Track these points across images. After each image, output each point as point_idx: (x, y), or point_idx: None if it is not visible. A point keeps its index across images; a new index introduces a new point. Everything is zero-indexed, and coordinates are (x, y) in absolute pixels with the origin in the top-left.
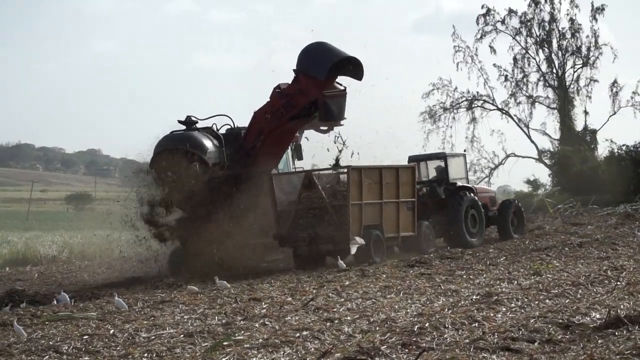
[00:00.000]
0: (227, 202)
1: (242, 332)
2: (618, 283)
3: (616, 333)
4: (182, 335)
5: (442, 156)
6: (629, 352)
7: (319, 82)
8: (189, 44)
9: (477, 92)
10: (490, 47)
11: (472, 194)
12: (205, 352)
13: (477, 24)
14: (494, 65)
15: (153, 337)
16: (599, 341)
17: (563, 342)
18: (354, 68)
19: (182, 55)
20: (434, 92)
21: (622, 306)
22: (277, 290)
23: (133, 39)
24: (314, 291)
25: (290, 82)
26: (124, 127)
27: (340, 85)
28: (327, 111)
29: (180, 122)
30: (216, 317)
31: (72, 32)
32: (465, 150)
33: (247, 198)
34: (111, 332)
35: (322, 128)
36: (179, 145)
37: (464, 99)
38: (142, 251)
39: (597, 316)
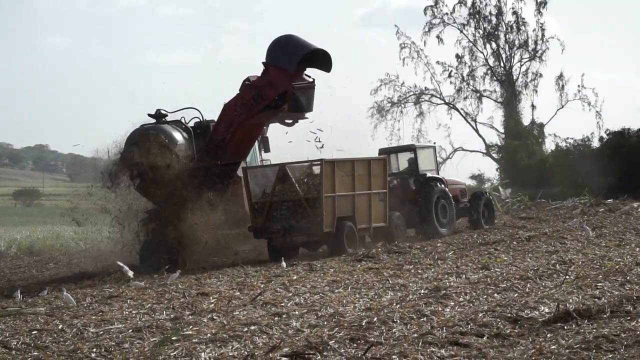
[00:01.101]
0: (197, 194)
1: (191, 326)
2: (567, 277)
3: (565, 327)
4: (130, 330)
5: (411, 148)
6: (578, 346)
7: (288, 74)
8: (140, 39)
9: (425, 87)
10: (438, 37)
11: (442, 185)
12: (153, 347)
13: (425, 15)
14: (437, 62)
15: (102, 332)
16: (548, 335)
17: (512, 337)
18: (323, 60)
19: (133, 50)
20: (382, 87)
21: (570, 300)
22: (225, 285)
23: (84, 35)
24: (262, 286)
25: (259, 74)
26: (71, 123)
27: (309, 77)
28: (297, 103)
29: (150, 115)
30: (164, 312)
31: (23, 29)
32: (434, 142)
33: (217, 190)
34: (60, 327)
35: (287, 121)
36: (149, 138)
37: (411, 93)
38: (102, 246)
39: (546, 310)
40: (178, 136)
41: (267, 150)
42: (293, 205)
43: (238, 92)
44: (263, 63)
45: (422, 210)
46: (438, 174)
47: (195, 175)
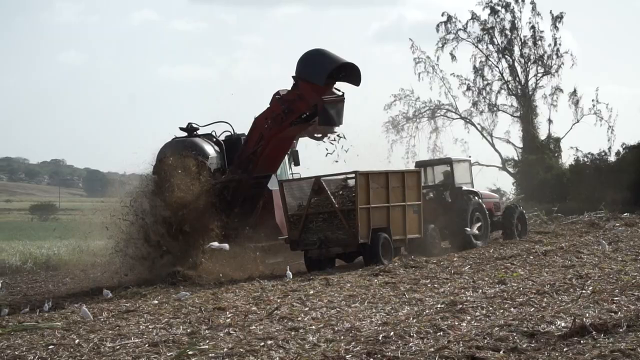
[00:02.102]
0: (229, 206)
1: (207, 341)
2: (583, 291)
3: (581, 341)
4: (147, 345)
5: (448, 161)
6: None
7: (318, 88)
8: (153, 55)
9: (439, 101)
10: (452, 54)
11: (477, 198)
12: None
13: (437, 31)
14: (452, 74)
15: (118, 347)
16: (565, 349)
17: (528, 351)
18: (352, 74)
19: (146, 65)
20: (396, 102)
21: (587, 314)
22: (241, 299)
23: (98, 50)
24: (279, 300)
25: (278, 88)
26: (87, 138)
27: (339, 90)
28: (327, 116)
29: (181, 129)
30: (181, 327)
31: (37, 44)
32: (470, 156)
33: (248, 203)
34: (76, 341)
35: (316, 135)
36: (182, 152)
37: (426, 108)
38: (117, 260)
39: (563, 324)
40: (210, 149)
41: (297, 163)
42: (329, 217)
43: (268, 105)
44: (293, 77)
45: (457, 223)
46: (473, 187)
47: (227, 188)
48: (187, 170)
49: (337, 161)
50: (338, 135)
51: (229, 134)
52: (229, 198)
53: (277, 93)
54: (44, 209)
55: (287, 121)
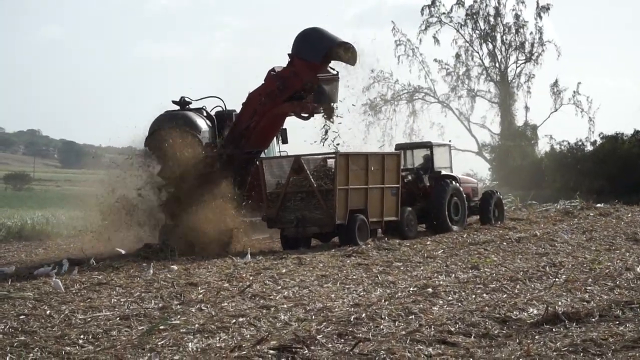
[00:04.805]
0: (219, 181)
1: (178, 316)
2: (556, 280)
3: (553, 329)
4: (118, 318)
5: (428, 145)
6: (565, 348)
7: (313, 66)
8: (132, 31)
9: (418, 85)
10: (434, 37)
11: (455, 183)
12: (141, 335)
13: (422, 14)
14: (435, 60)
15: (89, 319)
16: (536, 337)
17: (500, 337)
18: (348, 53)
19: (126, 41)
20: (375, 84)
21: (560, 303)
22: (214, 275)
23: (78, 24)
24: (251, 278)
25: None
26: (64, 109)
27: (333, 70)
28: (321, 94)
29: (174, 102)
30: (153, 301)
31: (17, 17)
32: (450, 141)
33: (238, 177)
34: (48, 312)
35: (303, 115)
36: (174, 124)
37: (404, 91)
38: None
39: (535, 312)
40: (202, 123)
41: (285, 141)
42: (307, 197)
43: (263, 81)
44: (289, 54)
45: (434, 207)
46: (452, 172)
47: (218, 162)
48: (180, 143)
49: (316, 142)
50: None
51: (220, 109)
52: (219, 172)
53: (273, 69)
54: (18, 178)
55: (281, 97)
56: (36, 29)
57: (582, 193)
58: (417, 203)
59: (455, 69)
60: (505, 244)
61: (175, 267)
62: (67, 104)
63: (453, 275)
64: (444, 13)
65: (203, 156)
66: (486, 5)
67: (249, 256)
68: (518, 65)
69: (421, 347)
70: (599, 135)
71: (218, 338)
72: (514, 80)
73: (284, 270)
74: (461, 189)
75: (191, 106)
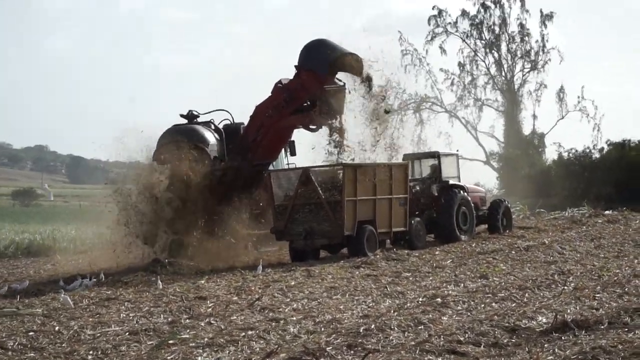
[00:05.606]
0: (227, 194)
1: (188, 330)
2: (565, 287)
3: (562, 338)
4: (127, 333)
5: (435, 155)
6: (575, 356)
7: (320, 78)
8: (142, 42)
9: (425, 95)
10: (441, 47)
11: (463, 192)
12: (150, 350)
13: (429, 24)
14: (441, 69)
15: (98, 335)
16: (545, 345)
17: (509, 346)
18: (354, 64)
19: (135, 53)
20: (390, 95)
21: (568, 310)
22: (222, 289)
23: (86, 36)
24: (260, 291)
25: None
26: (71, 124)
27: (340, 81)
28: (327, 106)
29: (182, 115)
30: (162, 316)
31: (25, 29)
32: (457, 150)
33: (245, 190)
34: (56, 328)
35: (311, 127)
36: (182, 138)
37: (412, 101)
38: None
39: (544, 320)
40: (210, 137)
41: (293, 154)
42: (315, 209)
43: (270, 94)
44: (295, 66)
45: (443, 216)
46: (460, 181)
47: (226, 175)
48: (188, 157)
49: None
50: (333, 130)
51: (228, 122)
52: (227, 185)
53: (279, 82)
54: (26, 194)
55: (288, 110)
56: (43, 40)
57: (590, 200)
58: (425, 213)
59: (461, 78)
60: (513, 252)
61: (161, 283)
62: (74, 119)
63: (462, 284)
64: (449, 23)
65: (211, 170)
66: (490, 15)
67: (261, 268)
68: (524, 73)
69: (431, 358)
70: (606, 142)
71: (227, 352)
72: (520, 89)
73: (292, 283)
74: (469, 198)
75: (199, 119)
